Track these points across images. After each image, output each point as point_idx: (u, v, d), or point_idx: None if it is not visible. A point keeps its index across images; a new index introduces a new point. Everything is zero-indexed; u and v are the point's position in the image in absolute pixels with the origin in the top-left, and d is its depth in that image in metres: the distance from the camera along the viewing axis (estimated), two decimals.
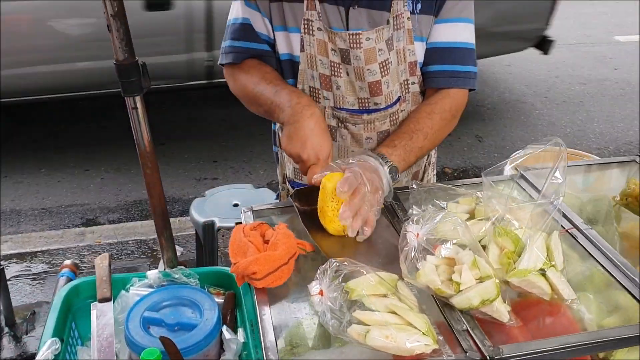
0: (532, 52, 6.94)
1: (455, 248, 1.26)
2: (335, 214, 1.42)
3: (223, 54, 1.80)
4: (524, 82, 6.56)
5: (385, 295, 1.21)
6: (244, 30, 1.74)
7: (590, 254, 1.40)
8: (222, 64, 1.83)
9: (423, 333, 1.13)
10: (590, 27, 8.35)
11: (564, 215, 1.48)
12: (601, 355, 1.28)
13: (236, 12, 1.77)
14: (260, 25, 1.73)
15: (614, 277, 1.33)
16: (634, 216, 1.54)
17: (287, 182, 1.99)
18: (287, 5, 1.67)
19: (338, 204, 1.42)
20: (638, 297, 1.27)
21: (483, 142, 5.34)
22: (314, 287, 1.16)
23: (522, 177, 1.65)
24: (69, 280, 1.66)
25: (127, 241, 3.96)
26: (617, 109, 5.97)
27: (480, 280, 1.21)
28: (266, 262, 1.30)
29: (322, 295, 1.15)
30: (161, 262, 1.67)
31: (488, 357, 1.12)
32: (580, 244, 1.43)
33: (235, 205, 3.18)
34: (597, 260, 1.38)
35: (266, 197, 3.13)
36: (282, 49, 1.75)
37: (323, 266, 1.19)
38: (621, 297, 1.31)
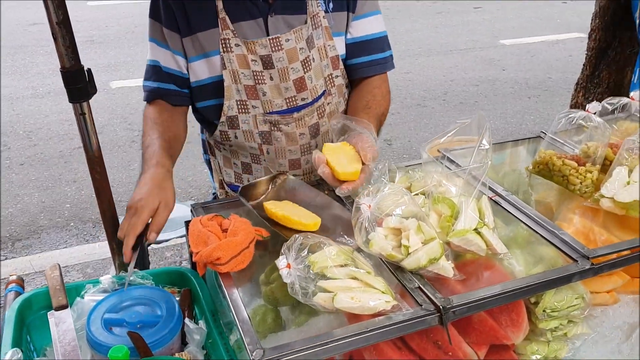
0: (428, 60, 7.40)
1: (398, 219, 1.39)
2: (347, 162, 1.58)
3: (143, 92, 1.92)
4: (423, 88, 6.95)
5: (344, 265, 1.32)
6: (154, 72, 1.86)
7: (514, 215, 1.59)
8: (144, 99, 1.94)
9: (382, 292, 1.25)
10: (477, 33, 8.97)
11: (487, 186, 1.66)
12: (532, 300, 1.45)
13: (149, 53, 1.88)
14: (171, 62, 1.84)
15: (537, 232, 1.52)
16: (546, 182, 1.74)
17: (225, 187, 2.07)
18: (201, 35, 1.79)
19: (347, 155, 1.58)
20: (558, 246, 1.46)
21: (392, 145, 5.61)
22: (281, 261, 1.25)
23: (445, 157, 1.82)
24: (18, 294, 1.63)
25: None
26: (509, 106, 6.46)
27: (425, 242, 1.35)
28: (229, 248, 1.37)
29: (289, 267, 1.24)
30: (112, 267, 1.68)
31: (441, 307, 1.25)
32: (504, 209, 1.62)
33: None
34: (520, 220, 1.57)
35: (184, 210, 3.15)
36: (203, 74, 1.85)
37: (287, 242, 1.28)
38: (544, 249, 1.50)
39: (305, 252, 1.25)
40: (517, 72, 7.39)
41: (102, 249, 4.15)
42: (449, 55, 8.03)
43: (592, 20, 3.75)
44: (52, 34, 1.36)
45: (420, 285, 1.32)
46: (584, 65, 3.81)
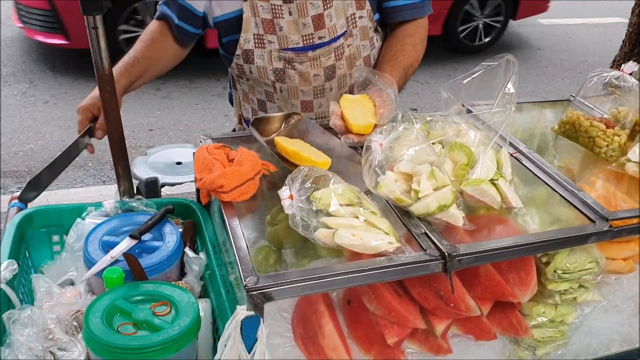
0: None
1: (411, 164, 1.33)
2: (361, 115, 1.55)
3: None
4: (455, 59, 6.78)
5: (350, 204, 1.26)
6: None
7: (534, 174, 1.52)
8: None
9: (386, 233, 1.20)
10: None
11: (508, 142, 1.59)
12: (544, 259, 1.39)
13: None
14: None
15: (558, 193, 1.45)
16: (571, 146, 1.66)
17: (243, 123, 2.02)
18: None
19: (364, 108, 1.56)
20: (577, 207, 1.39)
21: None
22: (284, 191, 1.20)
23: (469, 111, 1.75)
24: (20, 210, 1.62)
25: None
26: (542, 85, 6.29)
27: (437, 189, 1.29)
28: (233, 176, 1.33)
29: (292, 199, 1.19)
30: (116, 191, 1.66)
31: (446, 254, 1.20)
32: (525, 166, 1.55)
33: (179, 163, 3.15)
34: (541, 179, 1.50)
35: None
36: (228, 8, 1.78)
37: (292, 174, 1.23)
38: (563, 210, 1.43)
39: (310, 184, 1.20)
40: (552, 53, 7.18)
41: (112, 191, 4.17)
42: None
43: None
44: None
45: (427, 231, 1.27)
46: (623, 42, 3.66)
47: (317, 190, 1.24)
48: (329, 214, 1.23)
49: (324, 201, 1.23)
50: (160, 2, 1.86)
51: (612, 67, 3.73)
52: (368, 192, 1.35)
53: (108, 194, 4.15)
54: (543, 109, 1.94)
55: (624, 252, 1.44)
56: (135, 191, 1.70)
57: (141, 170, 3.03)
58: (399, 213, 1.33)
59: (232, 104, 2.11)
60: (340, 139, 1.65)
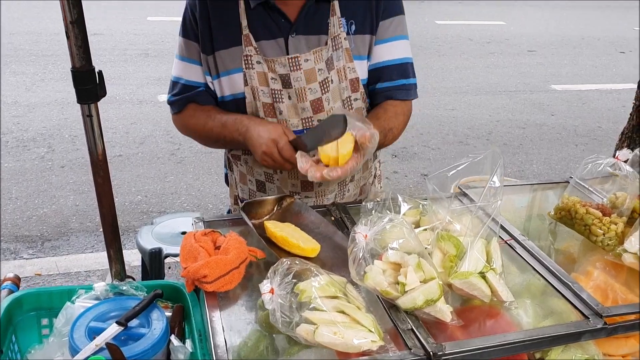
0: (476, 98, 7.29)
1: (400, 253, 1.31)
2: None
3: (169, 106, 1.96)
4: (467, 126, 6.82)
5: (334, 297, 1.24)
6: (180, 86, 1.89)
7: (527, 262, 1.48)
8: (171, 114, 1.98)
9: (370, 330, 1.17)
10: (528, 76, 8.81)
11: (503, 228, 1.57)
12: (537, 355, 1.34)
13: (173, 69, 1.92)
14: (199, 77, 1.86)
15: (551, 284, 1.41)
16: (568, 232, 1.63)
17: (239, 203, 2.03)
18: (224, 52, 1.79)
19: (343, 141, 1.58)
20: (571, 300, 1.34)
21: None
22: (265, 285, 1.18)
23: (463, 193, 1.73)
24: (11, 292, 1.61)
25: None
26: (554, 152, 6.26)
27: (425, 282, 1.26)
28: (217, 266, 1.31)
29: (272, 293, 1.17)
30: (108, 274, 1.65)
31: (431, 354, 1.16)
32: (519, 254, 1.51)
33: (183, 233, 3.16)
34: (534, 268, 1.46)
35: None
36: (226, 91, 1.85)
37: (274, 266, 1.21)
38: (556, 302, 1.39)
39: (290, 278, 1.18)
40: (566, 119, 7.19)
41: (126, 257, 4.17)
42: (497, 95, 7.89)
43: None
44: (65, 32, 1.36)
45: (413, 328, 1.23)
46: (630, 114, 3.65)
47: (300, 282, 1.22)
48: (310, 308, 1.20)
49: (307, 294, 1.21)
50: (172, 96, 1.92)
51: (620, 140, 3.72)
52: (355, 282, 1.32)
53: None
54: (543, 190, 1.92)
55: (623, 349, 1.38)
56: (125, 274, 1.68)
57: (146, 240, 3.05)
58: (386, 306, 1.30)
59: (227, 184, 2.13)
60: (332, 219, 1.65)
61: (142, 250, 3.03)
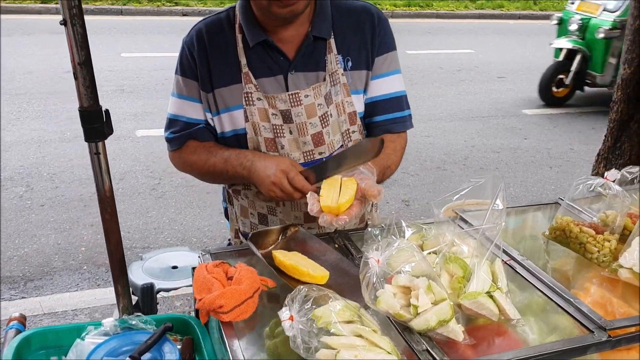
0: (450, 125, 7.44)
1: (408, 277, 1.36)
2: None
3: (167, 143, 1.98)
4: (444, 152, 6.95)
5: (350, 321, 1.27)
6: (178, 123, 1.92)
7: (528, 281, 1.54)
8: (169, 151, 2.00)
9: (388, 352, 1.21)
10: (499, 101, 9.03)
11: (502, 250, 1.62)
12: None
13: (172, 108, 1.94)
14: (199, 114, 1.90)
15: (553, 301, 1.46)
16: (563, 250, 1.69)
17: (240, 237, 2.06)
18: (224, 90, 1.84)
19: (346, 188, 1.63)
20: (574, 316, 1.40)
21: (410, 206, 5.57)
22: (284, 312, 1.21)
23: (461, 218, 1.79)
24: (19, 332, 1.61)
25: None
26: (530, 174, 6.42)
27: (435, 303, 1.31)
28: (232, 296, 1.34)
29: (292, 320, 1.20)
30: (116, 310, 1.66)
31: None
32: (519, 274, 1.57)
33: (174, 267, 3.15)
34: (535, 287, 1.52)
35: (194, 259, 3.14)
36: (226, 127, 1.89)
37: (291, 294, 1.25)
38: (559, 318, 1.44)
39: (310, 305, 1.21)
40: (539, 142, 7.38)
41: (112, 294, 4.11)
42: (470, 121, 8.07)
43: (614, 92, 3.76)
44: (73, 73, 1.40)
45: (428, 348, 1.27)
46: (605, 136, 3.80)
47: (317, 308, 1.25)
48: (329, 333, 1.23)
49: (325, 319, 1.24)
50: (170, 133, 1.94)
51: (596, 161, 3.86)
52: (367, 307, 1.36)
53: (103, 297, 4.12)
54: (533, 212, 1.99)
55: None
56: (132, 309, 1.69)
57: (137, 275, 3.03)
58: (399, 328, 1.33)
59: (227, 217, 2.16)
60: (335, 247, 1.69)
61: (133, 285, 3.00)
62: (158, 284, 2.96)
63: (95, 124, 1.46)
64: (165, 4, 13.91)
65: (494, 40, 13.52)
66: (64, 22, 1.33)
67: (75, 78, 1.41)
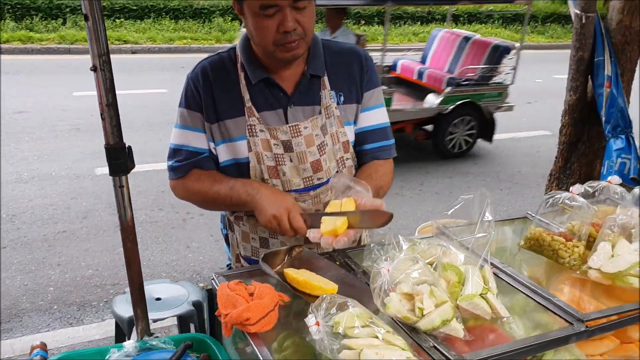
0: (400, 153, 7.69)
1: (410, 285, 1.53)
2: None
3: (170, 172, 2.10)
4: (400, 178, 7.23)
5: (365, 325, 1.44)
6: (183, 152, 2.05)
7: (511, 285, 1.74)
8: (171, 179, 2.11)
9: (403, 349, 1.37)
10: None
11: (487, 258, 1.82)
12: None
13: (173, 138, 2.08)
14: (203, 143, 2.04)
15: (535, 300, 1.67)
16: (535, 257, 1.91)
17: (241, 260, 2.19)
18: (229, 122, 2.00)
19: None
20: (554, 311, 1.61)
21: (372, 231, 5.77)
22: (311, 319, 1.37)
23: (442, 233, 1.99)
24: (44, 359, 1.69)
25: None
26: None
27: (437, 306, 1.49)
28: (257, 309, 1.48)
29: (318, 325, 1.36)
30: (134, 332, 1.76)
31: None
32: (502, 279, 1.77)
33: (158, 299, 3.22)
34: (518, 289, 1.72)
35: (191, 290, 3.23)
36: (225, 156, 2.04)
37: (314, 303, 1.40)
38: (540, 315, 1.65)
39: (334, 310, 1.37)
40: (487, 166, 7.79)
41: (86, 332, 4.14)
42: (423, 149, 8.43)
43: (562, 117, 4.10)
44: (101, 114, 1.53)
45: (435, 344, 1.44)
46: (556, 157, 4.12)
47: (339, 314, 1.41)
48: (348, 336, 1.39)
49: (347, 324, 1.40)
50: (174, 162, 2.05)
51: (549, 180, 4.17)
52: (376, 312, 1.53)
53: (76, 335, 4.12)
54: (502, 226, 2.21)
55: (600, 349, 1.65)
56: (150, 331, 1.80)
57: (121, 308, 3.09)
58: (406, 329, 1.51)
59: (227, 244, 2.29)
60: (337, 264, 1.85)
61: (119, 318, 3.06)
62: None
63: (120, 159, 1.58)
64: (114, 42, 13.93)
65: None
66: (94, 69, 1.47)
67: (103, 119, 1.54)
